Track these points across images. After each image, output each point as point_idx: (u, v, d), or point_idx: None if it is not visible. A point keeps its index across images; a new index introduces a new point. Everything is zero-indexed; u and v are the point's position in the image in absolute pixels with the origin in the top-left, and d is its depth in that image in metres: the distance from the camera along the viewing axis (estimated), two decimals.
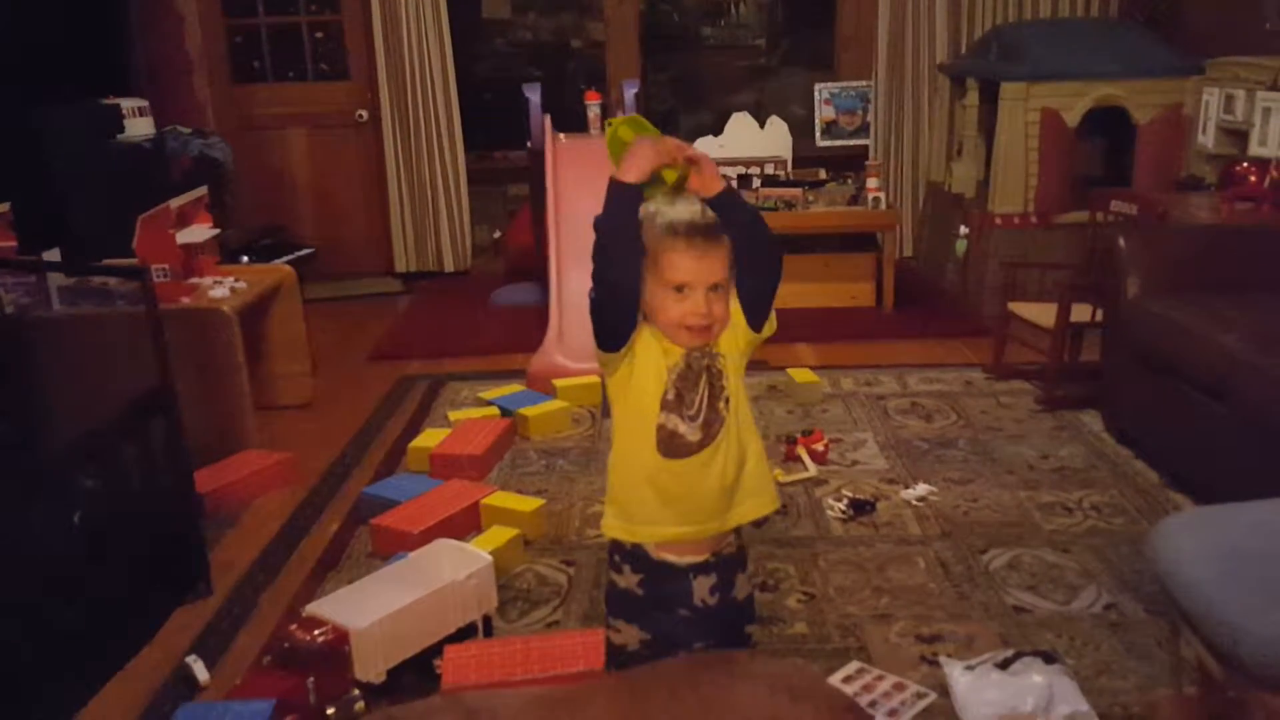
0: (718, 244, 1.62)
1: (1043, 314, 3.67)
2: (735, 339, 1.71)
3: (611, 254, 1.61)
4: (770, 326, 1.72)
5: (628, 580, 1.77)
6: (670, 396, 1.67)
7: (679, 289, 1.63)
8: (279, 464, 3.24)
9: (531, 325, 4.40)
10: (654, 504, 1.71)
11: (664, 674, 0.92)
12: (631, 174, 1.58)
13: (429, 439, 3.34)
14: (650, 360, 1.68)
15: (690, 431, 1.69)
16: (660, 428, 1.68)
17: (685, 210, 1.63)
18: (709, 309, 1.63)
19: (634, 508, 1.73)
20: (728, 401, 1.70)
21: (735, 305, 1.69)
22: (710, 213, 1.63)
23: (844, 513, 2.88)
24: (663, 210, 1.64)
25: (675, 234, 1.61)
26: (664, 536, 1.73)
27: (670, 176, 1.63)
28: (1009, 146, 4.48)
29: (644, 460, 1.70)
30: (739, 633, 1.84)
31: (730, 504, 1.74)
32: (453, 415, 3.62)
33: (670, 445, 1.69)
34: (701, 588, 1.76)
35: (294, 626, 2.10)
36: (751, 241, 1.65)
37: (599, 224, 1.61)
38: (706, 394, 1.69)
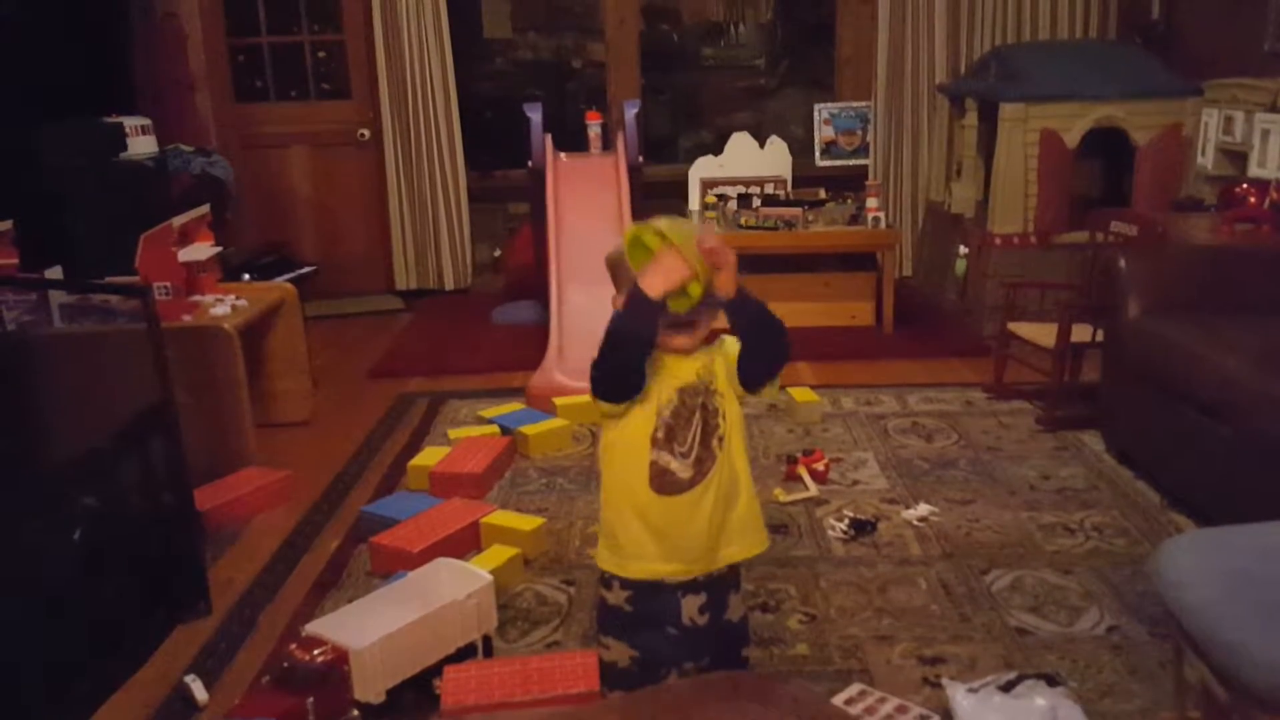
0: (694, 246, 1.64)
1: (1043, 334, 3.67)
2: (733, 384, 1.73)
3: (626, 357, 1.63)
4: (770, 393, 1.76)
5: (616, 597, 1.78)
6: (660, 435, 1.68)
7: None
8: (279, 481, 3.24)
9: (532, 343, 4.40)
10: (644, 539, 1.72)
11: (670, 696, 0.92)
12: (656, 290, 1.56)
13: (429, 457, 3.33)
14: (644, 397, 1.68)
15: (682, 469, 1.69)
16: (652, 464, 1.69)
17: (662, 224, 1.65)
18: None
19: (624, 541, 1.73)
20: (722, 440, 1.71)
21: (735, 353, 1.71)
22: (687, 224, 1.67)
23: (845, 533, 2.88)
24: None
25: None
26: (653, 572, 1.74)
27: (695, 290, 1.60)
28: (1008, 167, 4.50)
29: (635, 495, 1.70)
30: (734, 655, 1.84)
31: (719, 543, 1.75)
32: (452, 433, 3.62)
33: (662, 482, 1.69)
34: (690, 606, 1.76)
35: (293, 646, 2.09)
36: (761, 338, 1.69)
37: (617, 329, 1.60)
38: (700, 431, 1.70)
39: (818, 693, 1.82)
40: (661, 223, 1.60)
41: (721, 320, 1.72)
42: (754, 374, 1.72)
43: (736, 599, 1.82)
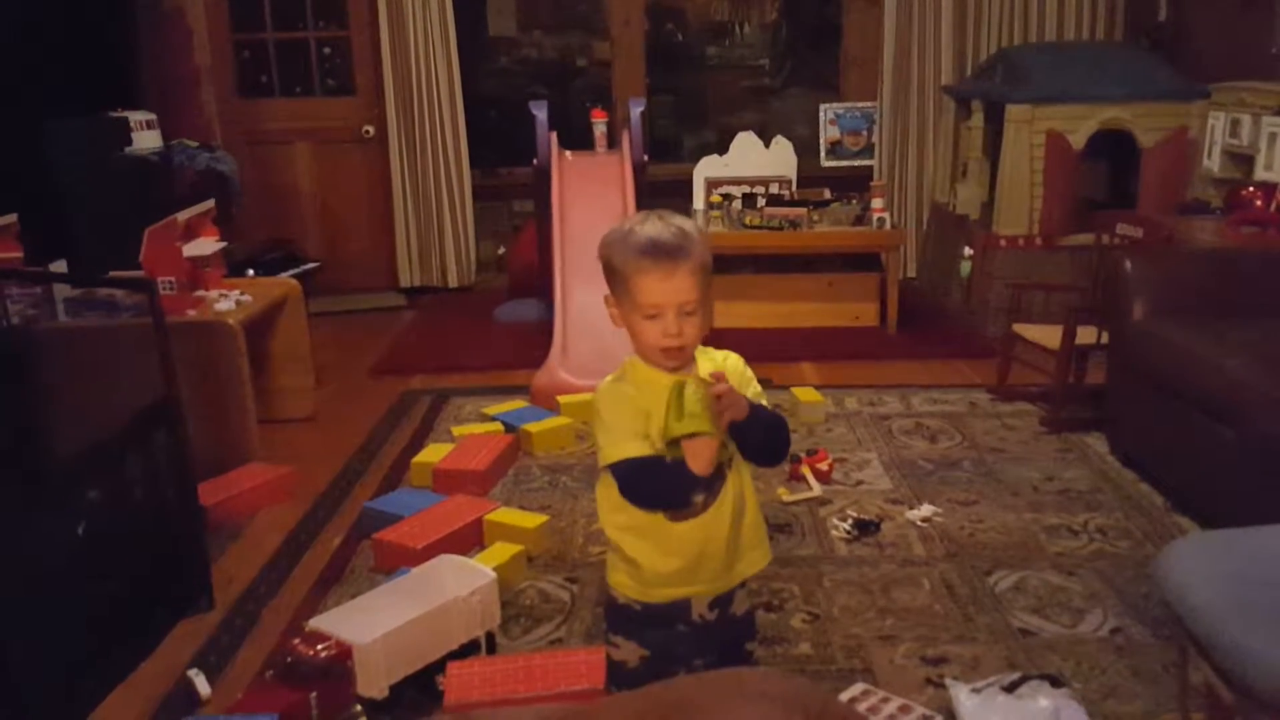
0: (685, 261, 1.61)
1: (1048, 336, 3.67)
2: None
3: (667, 506, 1.68)
4: None
5: (626, 597, 1.77)
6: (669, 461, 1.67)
7: (650, 315, 1.63)
8: (282, 477, 3.24)
9: (535, 341, 4.40)
10: (666, 567, 1.71)
11: (676, 691, 0.91)
12: (705, 470, 1.61)
13: (432, 454, 3.33)
14: (650, 428, 1.67)
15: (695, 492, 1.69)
16: None
17: (653, 229, 1.63)
18: (680, 329, 1.63)
19: (646, 572, 1.73)
20: (731, 459, 1.71)
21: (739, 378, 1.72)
22: (677, 229, 1.64)
23: (848, 533, 2.88)
24: (633, 229, 1.64)
25: (643, 254, 1.61)
26: (677, 596, 1.74)
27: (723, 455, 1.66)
28: (1014, 168, 4.50)
29: (651, 526, 1.69)
30: (739, 649, 1.84)
31: (736, 558, 1.76)
32: (456, 430, 3.62)
33: (678, 509, 1.69)
34: (700, 603, 1.76)
35: (296, 641, 2.09)
36: (765, 447, 1.71)
37: (662, 493, 1.66)
38: None
39: (824, 688, 1.82)
40: (690, 393, 1.57)
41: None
42: (753, 462, 1.75)
43: (742, 594, 1.82)
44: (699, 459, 1.58)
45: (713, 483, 1.69)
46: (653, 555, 1.71)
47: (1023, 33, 5.34)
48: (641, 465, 1.62)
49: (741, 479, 1.73)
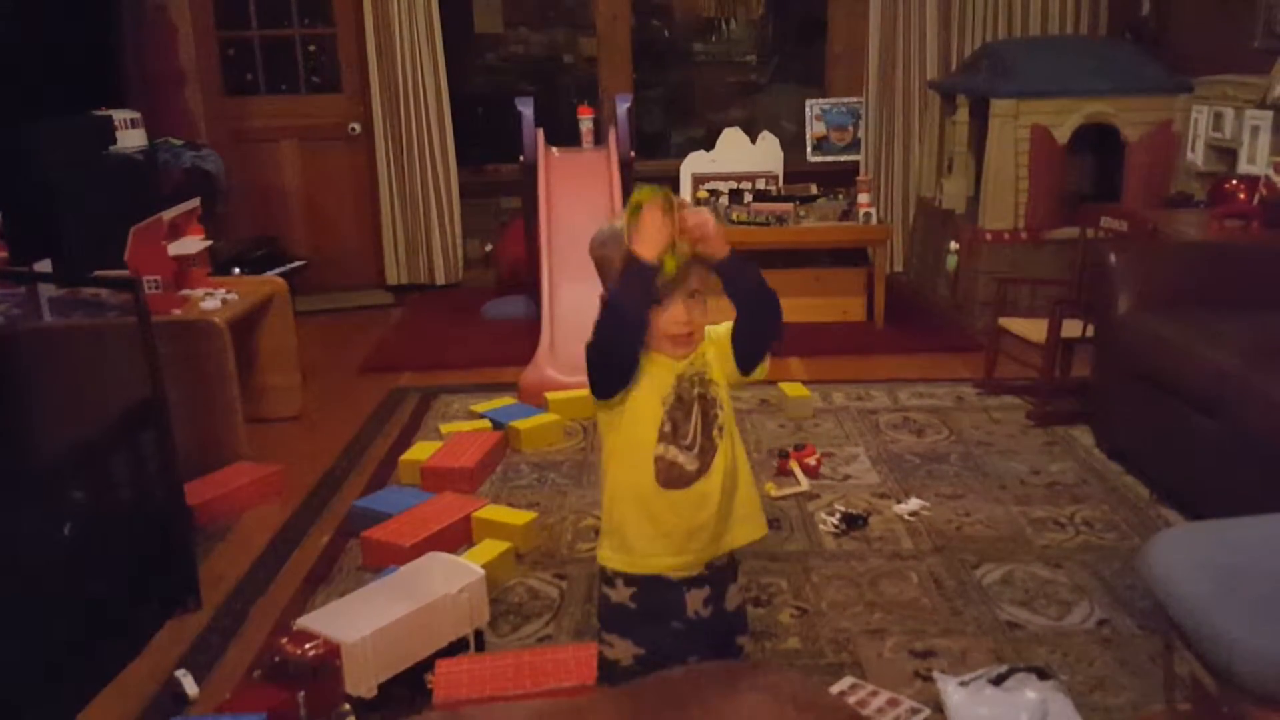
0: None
1: (1034, 329, 3.68)
2: (725, 370, 1.73)
3: (623, 327, 1.62)
4: (761, 372, 1.76)
5: (620, 594, 1.78)
6: (666, 428, 1.68)
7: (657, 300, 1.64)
8: (269, 476, 3.23)
9: (523, 338, 4.40)
10: (653, 535, 1.72)
11: (668, 685, 0.92)
12: (649, 250, 1.58)
13: (420, 452, 3.33)
14: (644, 394, 1.68)
15: (688, 461, 1.70)
16: (659, 459, 1.70)
17: None
18: (688, 316, 1.64)
19: (633, 539, 1.73)
20: (721, 429, 1.71)
21: (726, 336, 1.71)
22: None
23: (836, 527, 2.88)
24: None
25: None
26: (664, 567, 1.74)
27: (670, 264, 1.63)
28: (999, 163, 4.51)
29: (643, 492, 1.70)
30: (730, 643, 1.85)
31: (724, 529, 1.76)
32: (444, 428, 3.61)
33: (669, 475, 1.70)
34: (695, 600, 1.76)
35: (284, 640, 2.08)
36: (753, 307, 1.70)
37: (616, 299, 1.61)
38: (700, 422, 1.70)
39: (815, 681, 1.83)
40: (644, 189, 1.61)
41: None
42: (748, 347, 1.73)
43: (735, 589, 1.84)
44: (644, 235, 1.57)
45: (709, 455, 1.69)
46: (643, 523, 1.71)
47: (1007, 27, 5.36)
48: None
49: (734, 449, 1.74)
